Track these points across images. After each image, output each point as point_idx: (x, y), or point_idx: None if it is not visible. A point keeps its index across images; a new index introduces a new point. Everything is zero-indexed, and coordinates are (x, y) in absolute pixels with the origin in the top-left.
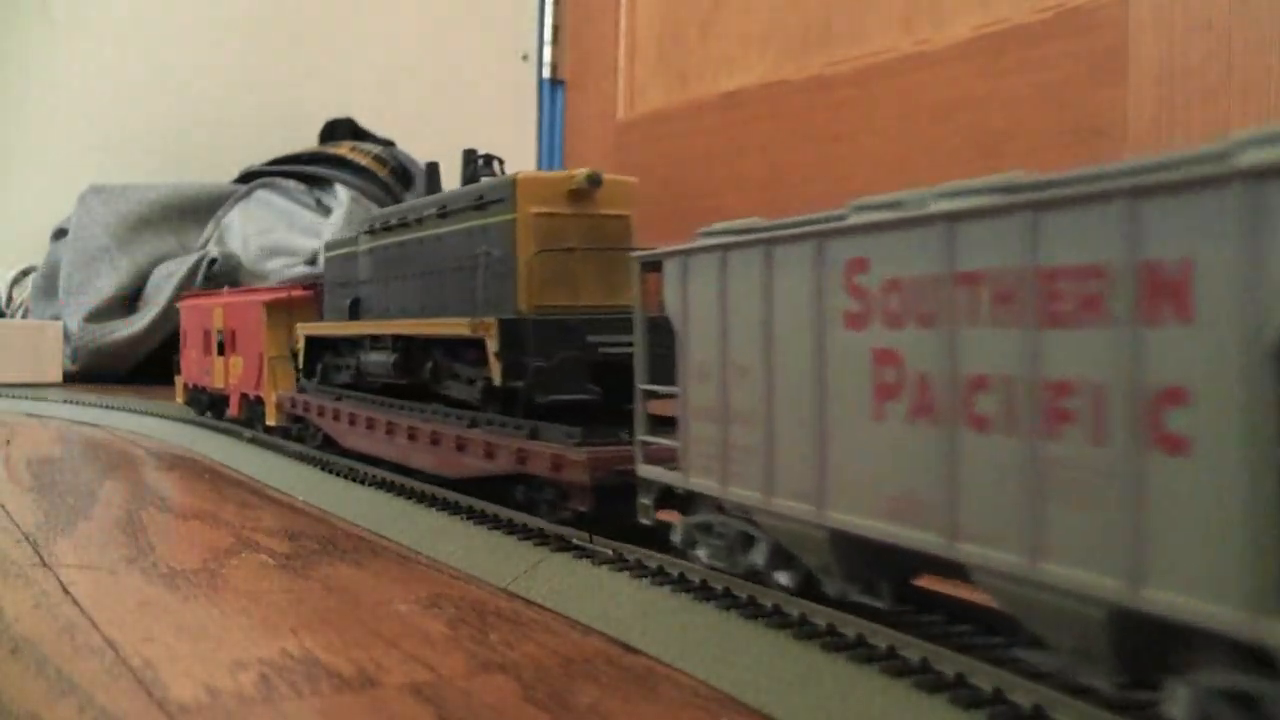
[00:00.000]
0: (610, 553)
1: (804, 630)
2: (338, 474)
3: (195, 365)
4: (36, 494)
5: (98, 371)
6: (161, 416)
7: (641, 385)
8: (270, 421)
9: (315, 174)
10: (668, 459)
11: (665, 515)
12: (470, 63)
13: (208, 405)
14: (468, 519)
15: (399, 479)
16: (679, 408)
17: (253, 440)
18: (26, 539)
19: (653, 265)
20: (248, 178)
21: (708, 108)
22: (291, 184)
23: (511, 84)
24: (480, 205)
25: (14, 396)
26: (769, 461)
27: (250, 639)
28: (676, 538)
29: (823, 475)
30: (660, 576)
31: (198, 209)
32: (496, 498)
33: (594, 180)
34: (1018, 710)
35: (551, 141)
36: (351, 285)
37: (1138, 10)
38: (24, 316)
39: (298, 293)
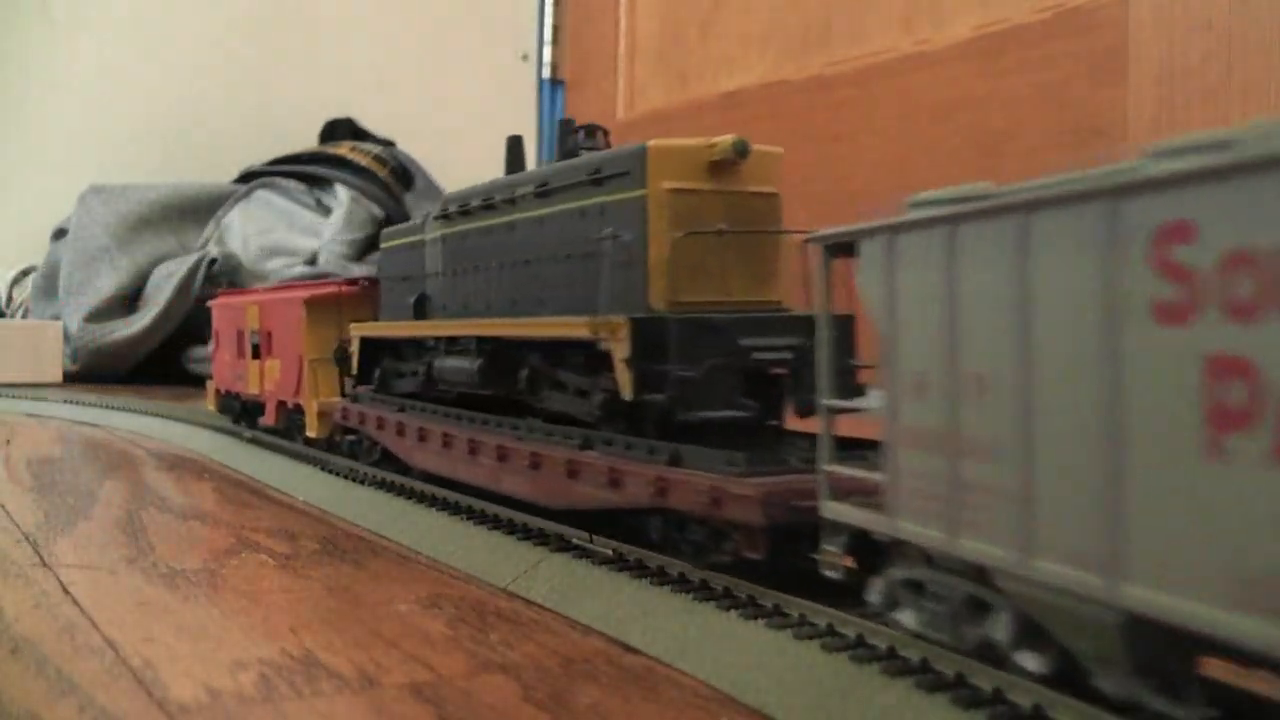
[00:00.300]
0: (610, 553)
1: (804, 630)
2: (338, 474)
3: (228, 369)
4: (36, 494)
5: (98, 371)
6: (161, 416)
7: (829, 401)
8: (311, 433)
9: (315, 174)
10: (859, 494)
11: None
12: (470, 63)
13: (241, 412)
14: (468, 519)
15: (398, 479)
16: (885, 431)
17: (253, 440)
18: (26, 539)
19: (841, 248)
20: (248, 178)
21: (708, 108)
22: (291, 184)
23: (511, 84)
24: (597, 180)
25: (14, 396)
26: (1025, 509)
27: (250, 639)
28: (874, 596)
29: (1118, 535)
30: (660, 576)
31: (198, 209)
32: (612, 531)
33: (741, 149)
34: (1018, 710)
35: (551, 142)
36: (416, 279)
37: (1138, 10)
38: (24, 316)
39: (345, 288)
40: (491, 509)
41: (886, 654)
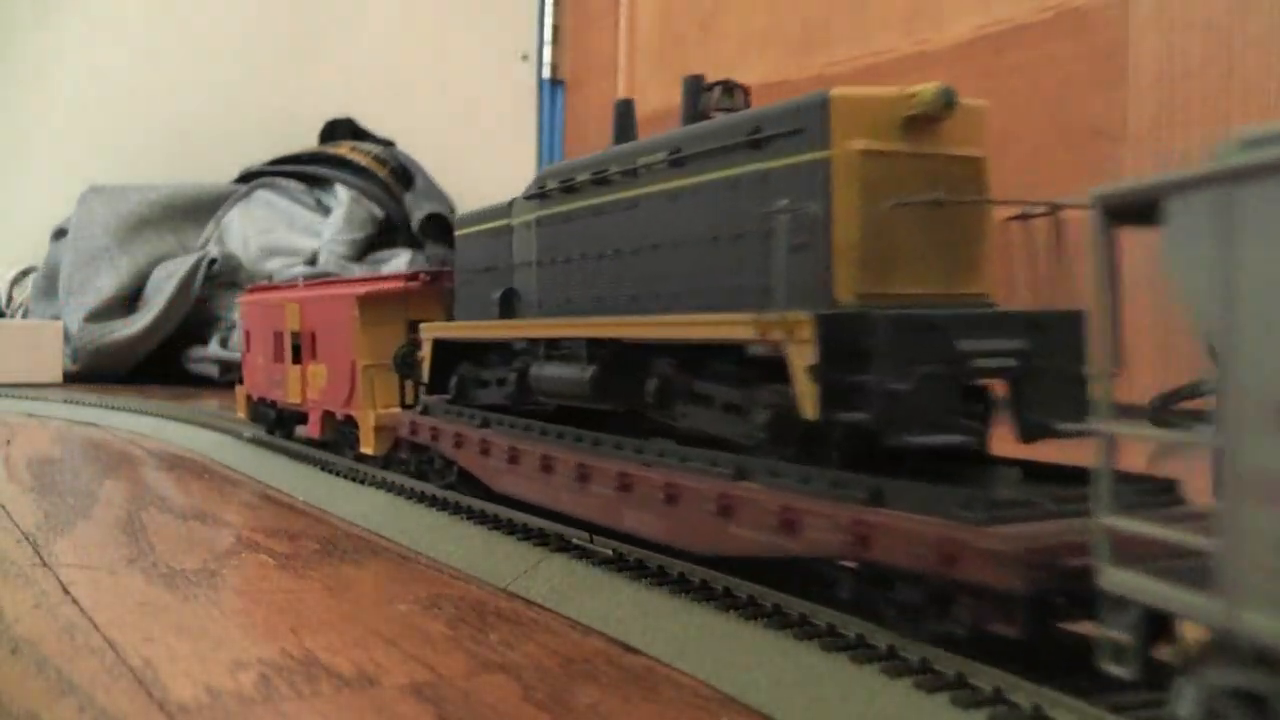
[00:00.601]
0: (610, 553)
1: (804, 630)
2: (338, 474)
3: (261, 374)
4: (36, 494)
5: (98, 371)
6: (161, 416)
7: (1114, 427)
8: (367, 449)
9: (315, 174)
10: (1159, 557)
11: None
12: (470, 63)
13: (276, 421)
14: (468, 519)
15: (398, 479)
16: (1218, 475)
17: (253, 440)
18: (26, 539)
19: (1130, 211)
20: (248, 178)
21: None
22: (291, 184)
23: (511, 84)
24: (757, 141)
25: (14, 396)
26: None
27: (250, 639)
28: (1186, 709)
29: None
30: (660, 576)
31: (198, 209)
32: (787, 584)
33: (948, 99)
34: (1018, 710)
35: (551, 142)
36: (502, 271)
37: (1138, 10)
38: (24, 316)
39: (407, 284)
40: (491, 509)
41: (886, 654)
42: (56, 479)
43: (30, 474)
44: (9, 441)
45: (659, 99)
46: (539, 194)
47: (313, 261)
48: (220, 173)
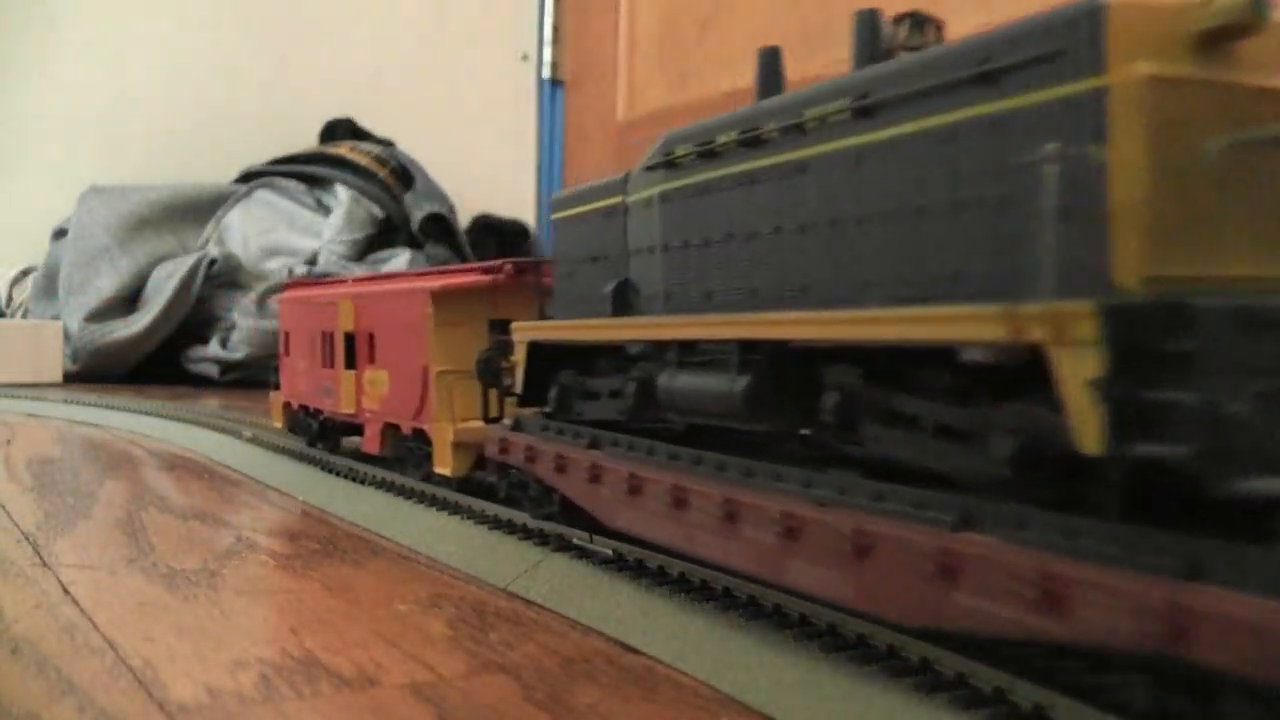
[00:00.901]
0: (610, 553)
1: (804, 630)
2: (338, 474)
3: (304, 380)
4: (36, 494)
5: (98, 371)
6: (161, 416)
7: None
8: (444, 469)
9: (315, 174)
10: None
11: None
12: (470, 63)
13: (319, 433)
14: (468, 519)
15: (398, 478)
16: None
17: (253, 440)
18: (26, 539)
19: None
20: (248, 178)
21: (708, 108)
22: (291, 184)
23: (511, 84)
24: (987, 76)
25: (14, 396)
26: None
27: (250, 639)
28: None
29: None
30: (660, 576)
31: (198, 209)
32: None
33: (1256, 7)
34: (1018, 710)
35: (551, 141)
36: (614, 259)
37: None
38: (24, 316)
39: (491, 277)
40: (491, 509)
41: (886, 654)
42: (56, 479)
43: (30, 474)
44: (9, 441)
45: (659, 99)
46: (665, 163)
47: (313, 261)
48: (220, 173)
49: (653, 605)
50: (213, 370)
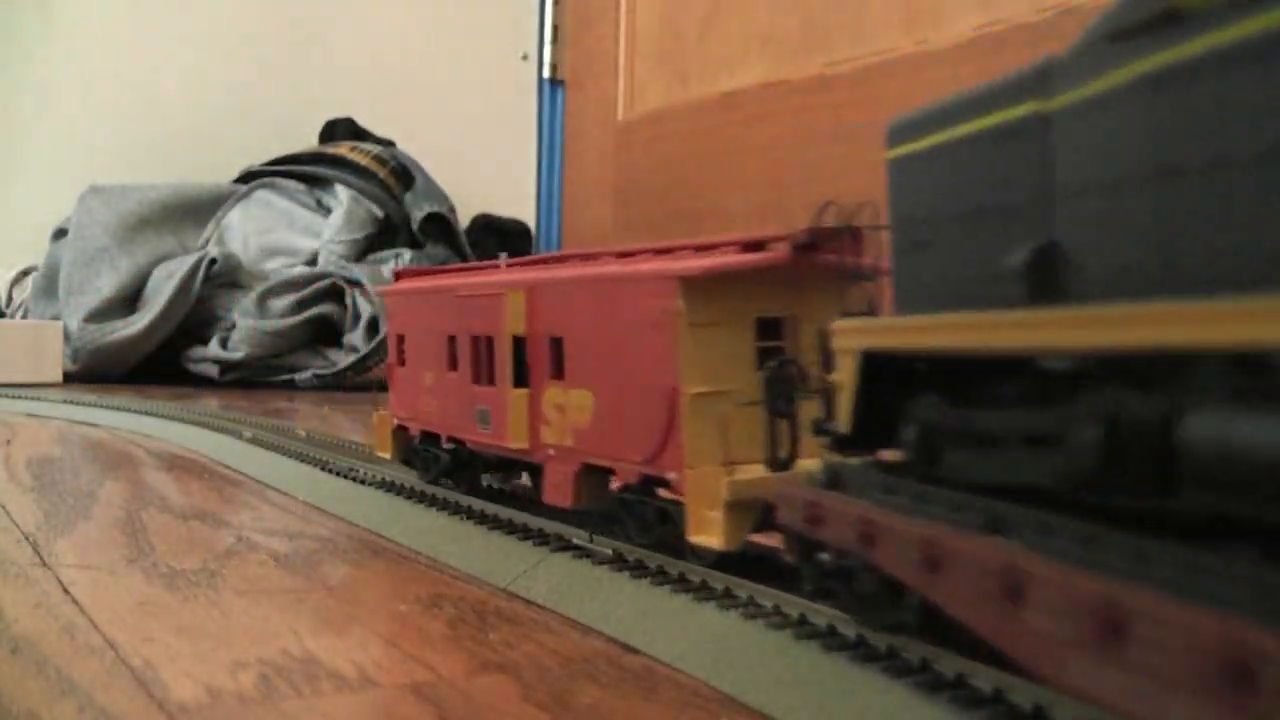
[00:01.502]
0: (610, 553)
1: (804, 630)
2: (338, 474)
3: (432, 398)
4: (36, 494)
5: (98, 371)
6: (162, 416)
7: None
8: (708, 540)
9: (315, 174)
10: None
11: None
12: (470, 63)
13: (452, 467)
14: (467, 519)
15: (399, 478)
16: None
17: (253, 440)
18: (26, 539)
19: None
20: (248, 178)
21: (708, 108)
22: (291, 184)
23: (511, 84)
24: None
25: (14, 396)
26: None
27: (250, 639)
28: None
29: None
30: (660, 576)
31: (198, 209)
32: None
33: None
34: (1018, 710)
35: (551, 141)
36: (1024, 210)
37: None
38: (24, 316)
39: (768, 256)
40: (491, 509)
41: (886, 654)
42: (56, 479)
43: (30, 474)
44: (9, 441)
45: (659, 99)
46: (1158, 19)
47: (313, 262)
48: (220, 173)
49: (653, 605)
50: (213, 370)
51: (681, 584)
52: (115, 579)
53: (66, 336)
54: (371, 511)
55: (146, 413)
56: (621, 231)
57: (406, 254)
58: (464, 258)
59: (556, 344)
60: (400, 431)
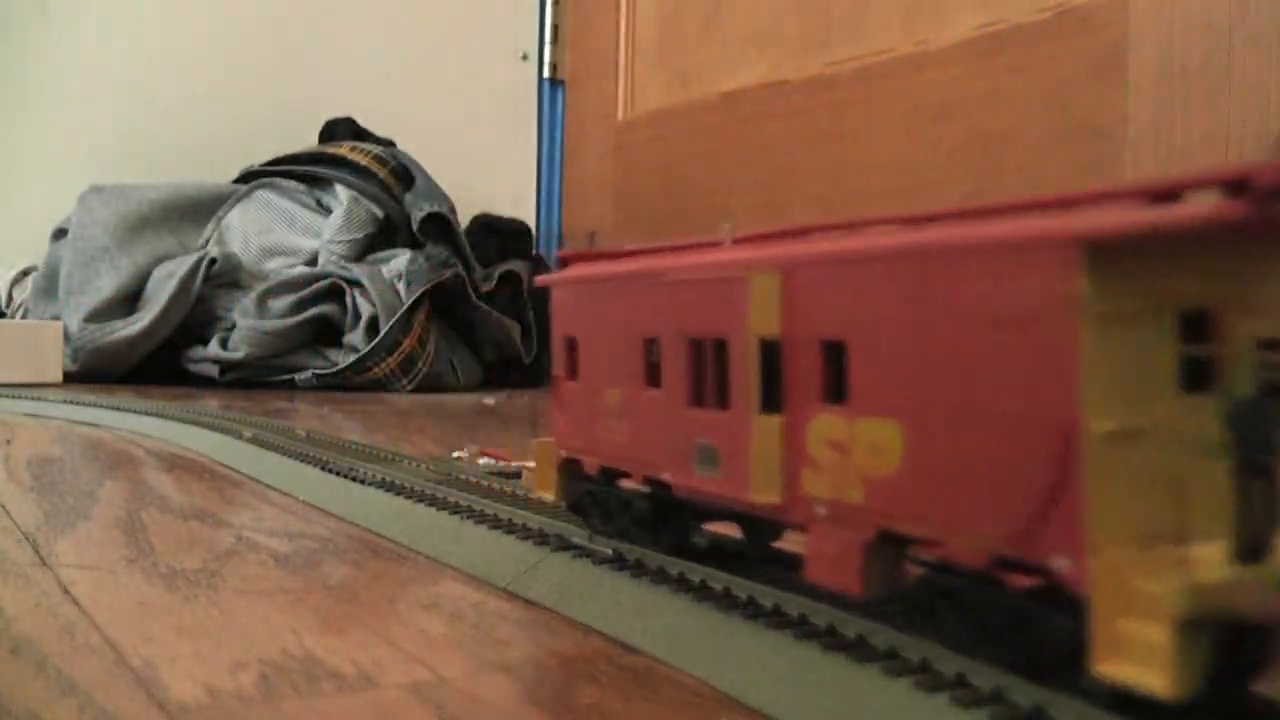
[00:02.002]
0: (610, 553)
1: (804, 630)
2: (338, 474)
3: (626, 421)
4: (36, 494)
5: (98, 371)
6: (161, 416)
7: None
8: (1150, 679)
9: (315, 174)
10: None
11: None
12: (470, 63)
13: (651, 519)
14: (467, 519)
15: (400, 478)
16: None
17: (253, 440)
18: (26, 539)
19: None
20: (248, 178)
21: (708, 108)
22: (291, 184)
23: (511, 84)
24: None
25: (14, 396)
26: None
27: (250, 639)
28: None
29: None
30: (660, 576)
31: (198, 209)
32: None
33: None
34: (1018, 710)
35: (551, 141)
36: None
37: (1138, 10)
38: (24, 316)
39: (1227, 209)
40: (491, 509)
41: (886, 654)
42: (56, 479)
43: (30, 474)
44: (9, 441)
45: (659, 99)
46: None
47: (313, 262)
48: (220, 173)
49: (653, 605)
50: (213, 370)
51: (681, 584)
52: (115, 579)
53: (66, 336)
54: (371, 511)
55: (146, 413)
56: (621, 231)
57: (406, 254)
58: (464, 258)
59: (834, 351)
60: (570, 466)
